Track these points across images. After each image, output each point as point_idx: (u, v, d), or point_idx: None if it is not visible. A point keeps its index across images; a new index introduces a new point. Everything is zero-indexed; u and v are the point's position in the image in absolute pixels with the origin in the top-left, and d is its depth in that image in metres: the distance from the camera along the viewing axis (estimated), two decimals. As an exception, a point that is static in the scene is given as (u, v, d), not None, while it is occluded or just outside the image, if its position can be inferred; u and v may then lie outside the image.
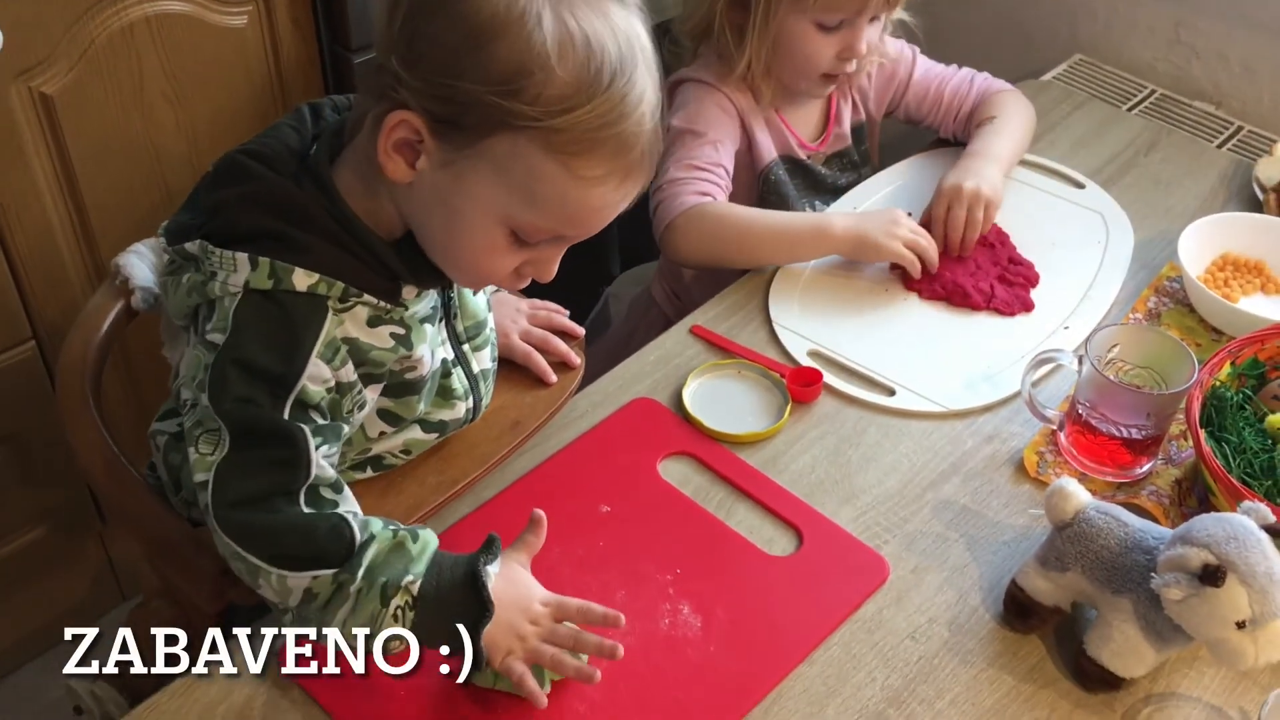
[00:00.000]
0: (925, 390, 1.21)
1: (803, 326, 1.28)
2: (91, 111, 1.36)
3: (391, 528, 0.90)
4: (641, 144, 0.87)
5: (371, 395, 0.97)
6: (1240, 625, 0.86)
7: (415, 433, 1.05)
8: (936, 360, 1.25)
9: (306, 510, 0.88)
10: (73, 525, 1.64)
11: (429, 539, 0.90)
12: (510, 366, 1.17)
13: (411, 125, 0.86)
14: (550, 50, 0.82)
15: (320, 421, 0.91)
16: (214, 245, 0.90)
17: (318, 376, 0.90)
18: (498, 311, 1.18)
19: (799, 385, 1.19)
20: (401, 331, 0.96)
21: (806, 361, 1.24)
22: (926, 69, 1.54)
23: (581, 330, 1.20)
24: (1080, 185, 1.50)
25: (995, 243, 1.38)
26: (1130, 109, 1.70)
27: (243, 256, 0.89)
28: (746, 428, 1.16)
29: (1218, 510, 1.02)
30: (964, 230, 1.35)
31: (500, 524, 1.05)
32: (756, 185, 1.47)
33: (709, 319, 1.29)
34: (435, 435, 1.07)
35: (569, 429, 1.15)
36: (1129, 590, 0.92)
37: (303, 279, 0.89)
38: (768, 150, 1.46)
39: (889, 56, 1.51)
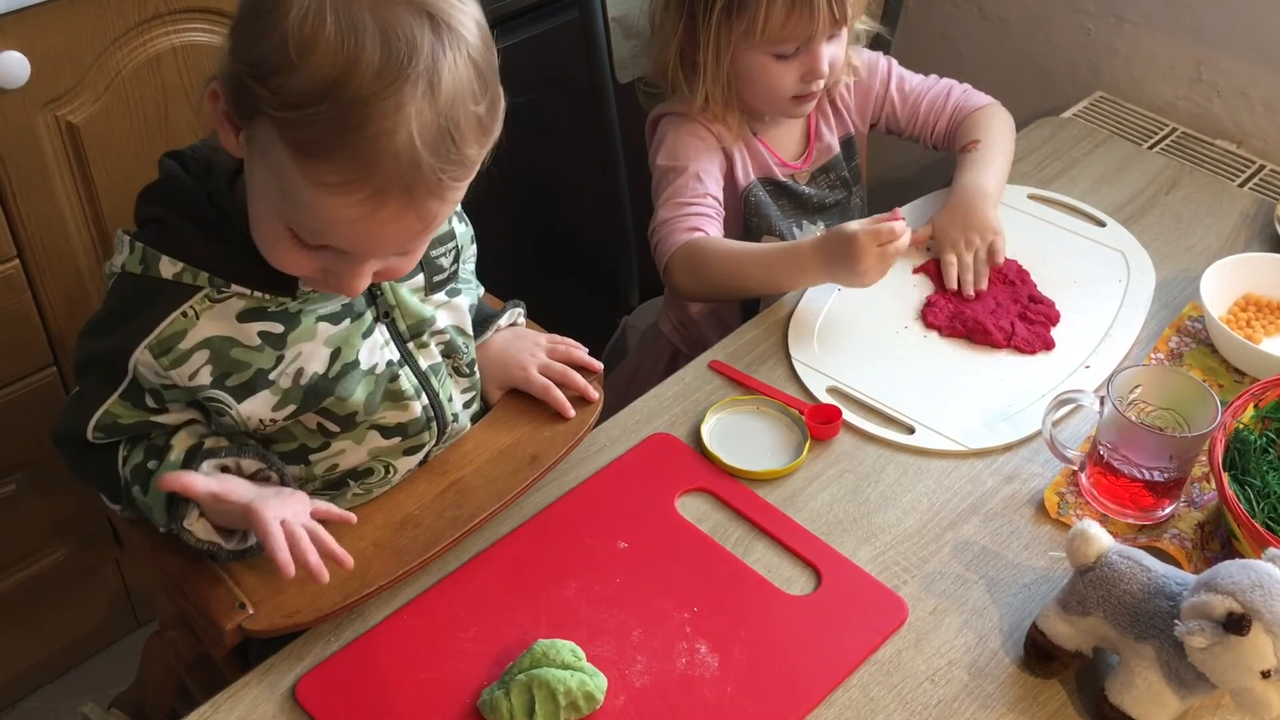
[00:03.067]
0: (945, 429, 1.20)
1: (822, 363, 1.28)
2: (116, 141, 1.37)
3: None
4: (396, 163, 0.81)
5: (263, 415, 0.98)
6: (1265, 674, 0.85)
7: (376, 440, 1.06)
8: (956, 398, 1.25)
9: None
10: (90, 550, 1.64)
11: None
12: (528, 400, 1.17)
13: (216, 94, 0.87)
14: (302, 43, 0.80)
15: (151, 404, 0.97)
16: (123, 231, 0.95)
17: (147, 364, 0.95)
18: (516, 346, 1.19)
19: (818, 422, 1.19)
20: (277, 329, 0.96)
21: (825, 398, 1.23)
22: (902, 79, 1.55)
23: (600, 365, 1.20)
24: (1101, 223, 1.49)
25: (1016, 280, 1.38)
26: (1151, 147, 1.69)
27: (128, 239, 0.94)
28: (765, 465, 1.15)
29: (1241, 554, 1.02)
30: (976, 269, 1.37)
31: (517, 558, 1.05)
32: (739, 208, 1.48)
33: (728, 354, 1.29)
34: (398, 440, 1.07)
35: (587, 464, 1.15)
36: (1152, 636, 0.91)
37: (169, 267, 0.92)
38: (746, 173, 1.48)
39: (861, 71, 1.51)
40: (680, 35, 1.40)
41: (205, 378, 0.95)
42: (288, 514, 0.94)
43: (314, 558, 0.93)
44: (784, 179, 1.50)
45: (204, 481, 0.93)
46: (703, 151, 1.43)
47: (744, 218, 1.48)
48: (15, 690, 1.71)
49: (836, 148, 1.54)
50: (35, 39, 1.25)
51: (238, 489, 0.96)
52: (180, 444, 1.00)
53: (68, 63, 1.30)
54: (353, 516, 1.00)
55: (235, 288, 0.94)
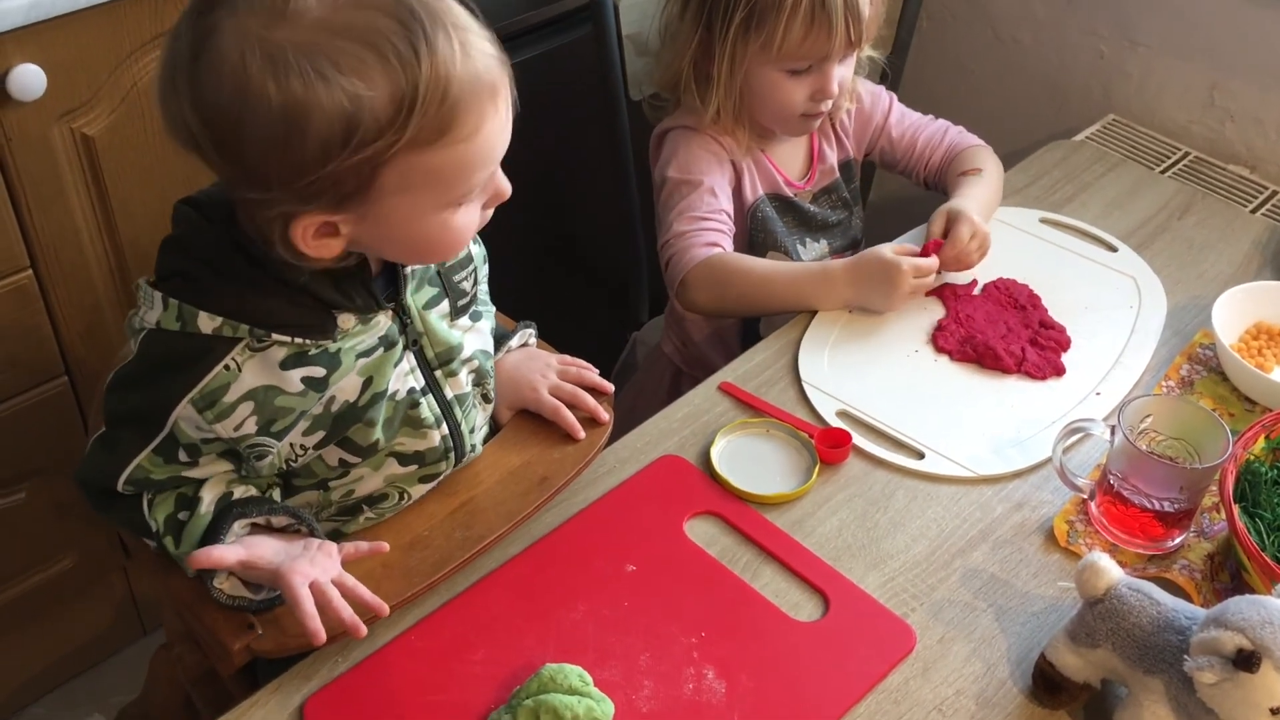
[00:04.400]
0: (954, 454, 1.20)
1: (832, 386, 1.28)
2: (131, 153, 1.38)
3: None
4: (484, 73, 0.86)
5: (294, 440, 0.99)
6: (1275, 712, 0.84)
7: (393, 467, 1.06)
8: (966, 424, 1.24)
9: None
10: (97, 559, 1.65)
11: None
12: (539, 421, 1.17)
13: (311, 220, 0.87)
14: (347, 94, 0.81)
15: (184, 459, 0.97)
16: (149, 284, 0.94)
17: (189, 419, 0.94)
18: (527, 366, 1.19)
19: (827, 446, 1.19)
20: (319, 374, 0.96)
21: (835, 422, 1.23)
22: (902, 114, 1.58)
23: (611, 386, 1.20)
24: (1113, 248, 1.49)
25: (1027, 305, 1.38)
26: (1164, 171, 1.69)
27: (159, 295, 0.92)
28: (774, 488, 1.15)
29: (1250, 586, 1.02)
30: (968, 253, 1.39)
31: (526, 580, 1.05)
32: (745, 223, 1.49)
33: (738, 376, 1.29)
34: (415, 467, 1.07)
35: (596, 485, 1.15)
36: (1161, 670, 0.90)
37: (207, 322, 0.92)
38: (754, 189, 1.48)
39: (864, 99, 1.54)
40: (695, 46, 1.41)
41: (250, 428, 0.95)
42: (316, 573, 0.94)
43: (347, 614, 0.93)
44: (790, 196, 1.51)
45: (232, 554, 0.94)
46: (715, 165, 1.44)
47: (750, 233, 1.49)
48: (22, 697, 1.71)
49: (837, 170, 1.56)
50: (51, 52, 1.26)
51: (266, 553, 0.96)
52: (209, 493, 0.99)
53: (83, 75, 1.30)
54: (385, 545, 1.01)
55: (276, 337, 0.93)
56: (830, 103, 1.42)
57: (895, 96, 1.59)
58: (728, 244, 1.41)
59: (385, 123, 0.82)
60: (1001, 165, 1.55)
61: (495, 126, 0.89)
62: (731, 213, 1.44)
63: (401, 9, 0.83)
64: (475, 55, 0.86)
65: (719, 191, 1.43)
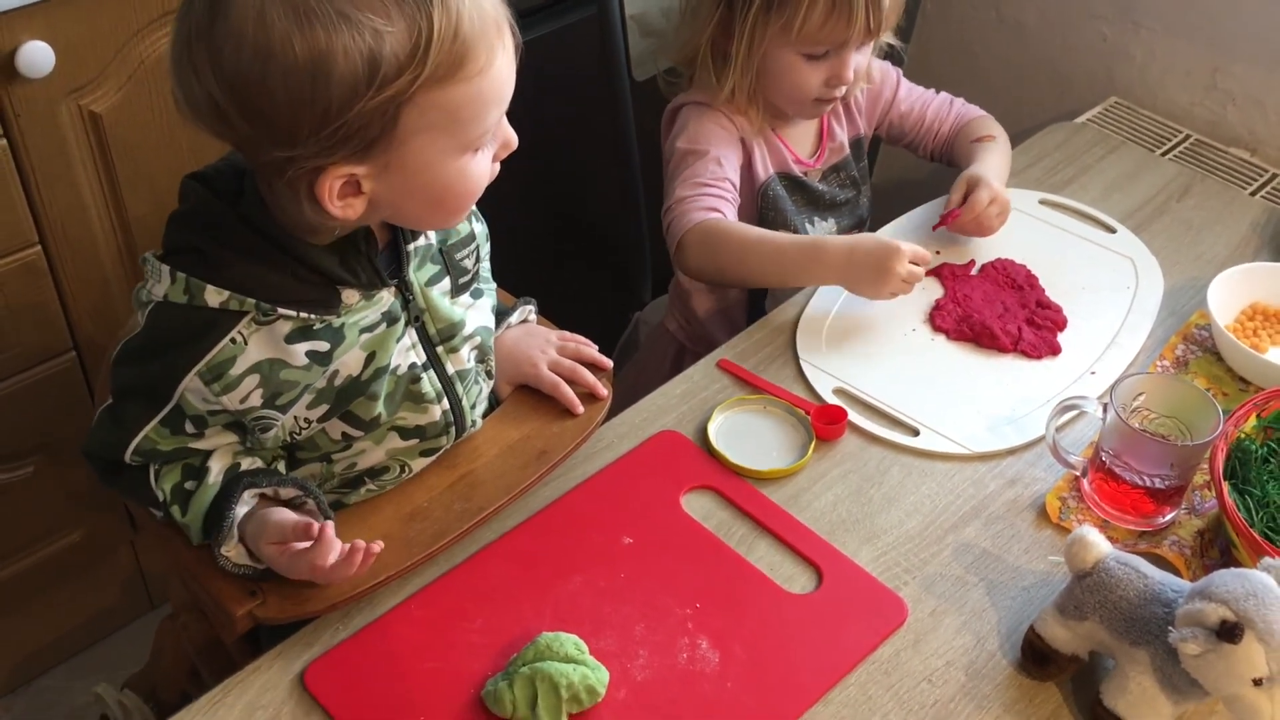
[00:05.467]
0: (949, 431, 1.22)
1: (829, 364, 1.29)
2: (138, 130, 1.39)
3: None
4: (489, 8, 0.89)
5: (298, 413, 1.00)
6: (1257, 683, 0.86)
7: (394, 441, 1.07)
8: (961, 401, 1.26)
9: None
10: (105, 533, 1.67)
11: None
12: (538, 396, 1.19)
13: (337, 174, 0.88)
14: (370, 30, 0.83)
15: (190, 430, 0.98)
16: (156, 258, 0.95)
17: (196, 390, 0.95)
18: (526, 342, 1.20)
19: (823, 423, 1.20)
20: (323, 348, 0.98)
21: (832, 399, 1.25)
22: (909, 90, 1.59)
23: (609, 362, 1.22)
24: (1111, 230, 1.50)
25: (1024, 285, 1.39)
26: (1164, 154, 1.70)
27: (166, 269, 0.94)
28: (770, 464, 1.17)
29: (1239, 562, 1.03)
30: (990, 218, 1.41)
31: (524, 551, 1.07)
32: (756, 201, 1.50)
33: (736, 353, 1.31)
34: (415, 441, 1.09)
35: (594, 460, 1.16)
36: (1147, 642, 0.92)
37: (214, 295, 0.93)
38: (765, 167, 1.49)
39: (875, 77, 1.54)
40: (715, 25, 1.41)
41: (256, 400, 0.96)
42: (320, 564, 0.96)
43: (356, 558, 0.95)
44: (800, 175, 1.52)
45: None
46: (725, 140, 1.45)
47: (761, 211, 1.50)
48: (30, 670, 1.74)
49: (847, 148, 1.57)
50: (60, 29, 1.27)
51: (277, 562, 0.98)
52: (217, 464, 1.01)
53: (91, 53, 1.32)
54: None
55: (281, 311, 0.95)
56: (845, 89, 1.43)
57: (901, 72, 1.60)
58: (730, 211, 1.41)
59: (405, 59, 0.84)
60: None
61: (504, 61, 0.91)
62: (737, 183, 1.44)
63: None
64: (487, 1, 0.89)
65: (725, 162, 1.43)
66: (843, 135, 1.56)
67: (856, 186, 1.59)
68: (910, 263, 1.28)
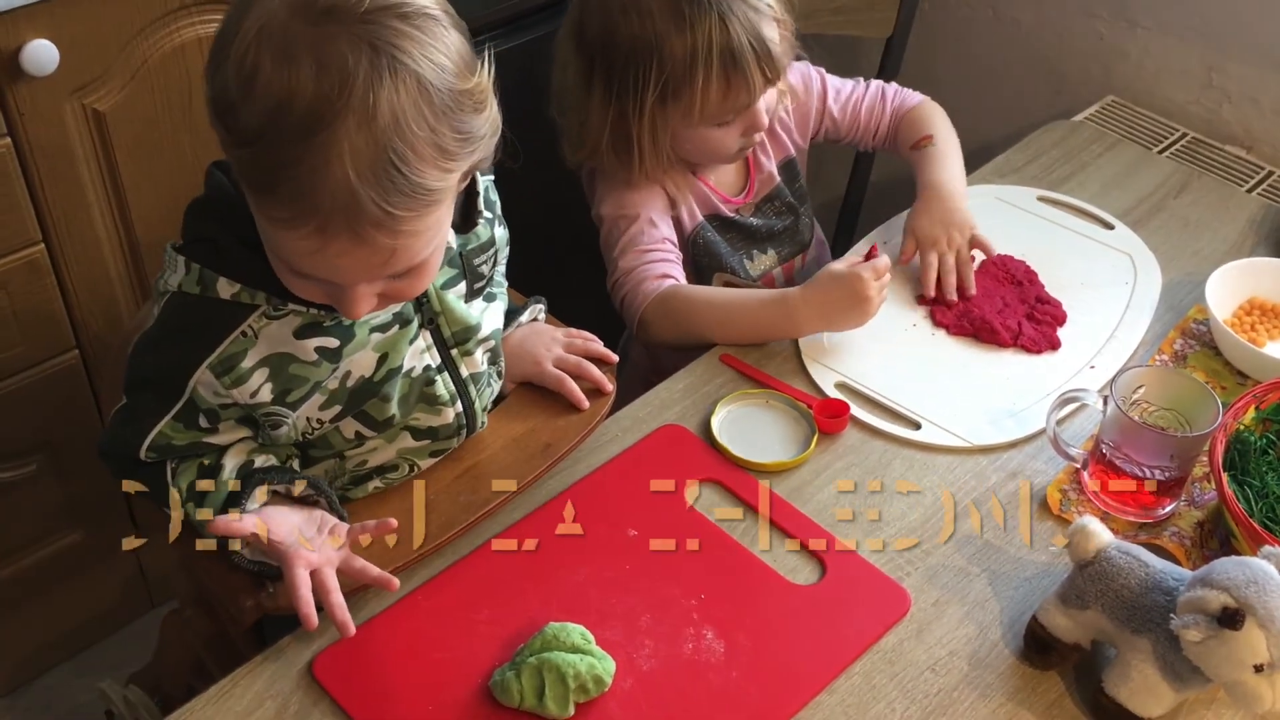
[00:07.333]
0: (951, 425, 1.23)
1: (831, 358, 1.30)
2: (142, 129, 1.40)
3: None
4: (333, 198, 0.80)
5: (310, 414, 1.01)
6: (1258, 669, 0.87)
7: (406, 441, 1.08)
8: (962, 396, 1.27)
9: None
10: (106, 532, 1.67)
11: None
12: (543, 391, 1.20)
13: None
14: (243, 81, 0.80)
15: (204, 424, 0.99)
16: (174, 248, 0.95)
17: (207, 384, 0.96)
18: (532, 341, 1.21)
19: (826, 417, 1.21)
20: (333, 344, 0.98)
21: (834, 393, 1.25)
22: (837, 91, 1.53)
23: (615, 356, 1.23)
24: (1110, 226, 1.51)
25: (1024, 281, 1.40)
26: (1161, 151, 1.71)
27: (181, 259, 0.94)
28: (773, 457, 1.17)
29: (1239, 553, 1.04)
30: (959, 269, 1.37)
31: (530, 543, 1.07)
32: (688, 250, 1.43)
33: (739, 349, 1.31)
34: (427, 442, 1.09)
35: (599, 453, 1.17)
36: (1148, 630, 0.93)
37: (226, 288, 0.93)
38: (692, 215, 1.44)
39: (798, 92, 1.49)
40: (610, 123, 1.34)
41: (266, 395, 0.97)
42: (320, 560, 0.96)
43: (339, 610, 0.94)
44: (730, 214, 1.47)
45: (249, 523, 0.96)
46: (650, 198, 1.39)
47: (694, 259, 1.44)
48: (32, 668, 1.74)
49: (777, 175, 1.51)
50: (64, 27, 1.28)
51: (280, 531, 0.97)
52: (231, 461, 1.01)
53: (95, 51, 1.32)
54: (392, 522, 1.00)
55: (292, 305, 0.95)
56: (763, 133, 1.39)
57: (823, 70, 1.53)
58: (678, 273, 1.36)
59: (238, 129, 0.83)
60: (945, 113, 1.52)
61: (305, 241, 0.84)
62: (675, 239, 1.40)
63: (370, 73, 0.81)
64: (363, 180, 0.81)
65: (658, 221, 1.37)
66: (770, 164, 1.50)
67: (794, 211, 1.53)
68: (878, 276, 1.25)
